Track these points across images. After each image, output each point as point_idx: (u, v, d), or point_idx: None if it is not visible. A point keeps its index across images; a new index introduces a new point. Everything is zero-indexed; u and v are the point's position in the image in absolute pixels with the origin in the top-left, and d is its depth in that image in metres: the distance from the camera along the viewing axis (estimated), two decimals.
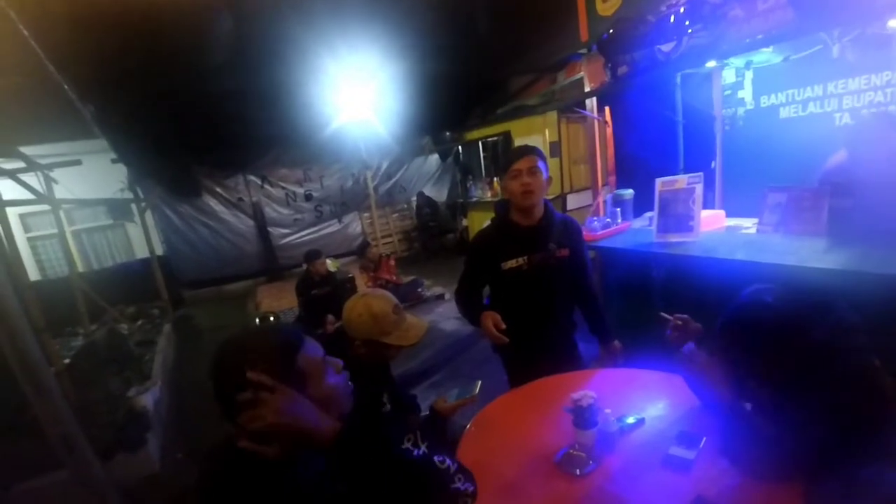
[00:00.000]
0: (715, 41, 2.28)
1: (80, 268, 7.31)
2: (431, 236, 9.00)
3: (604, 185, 3.86)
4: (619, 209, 3.23)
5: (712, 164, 3.55)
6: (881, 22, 2.42)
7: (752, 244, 2.47)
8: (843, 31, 2.66)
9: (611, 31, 2.66)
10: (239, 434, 0.76)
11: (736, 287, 0.98)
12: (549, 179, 1.92)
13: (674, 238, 2.71)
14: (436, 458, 0.86)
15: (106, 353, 4.03)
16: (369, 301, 1.56)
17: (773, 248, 2.32)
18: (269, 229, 7.92)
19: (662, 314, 1.44)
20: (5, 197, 3.42)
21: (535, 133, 6.51)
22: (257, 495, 0.77)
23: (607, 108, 4.43)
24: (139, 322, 5.93)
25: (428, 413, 1.73)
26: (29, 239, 7.68)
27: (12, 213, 3.69)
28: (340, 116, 6.29)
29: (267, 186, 7.79)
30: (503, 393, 1.86)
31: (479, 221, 7.81)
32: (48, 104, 3.98)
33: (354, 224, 8.79)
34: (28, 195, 4.15)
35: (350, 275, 5.75)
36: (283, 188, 7.92)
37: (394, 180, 8.85)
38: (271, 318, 5.38)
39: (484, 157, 8.72)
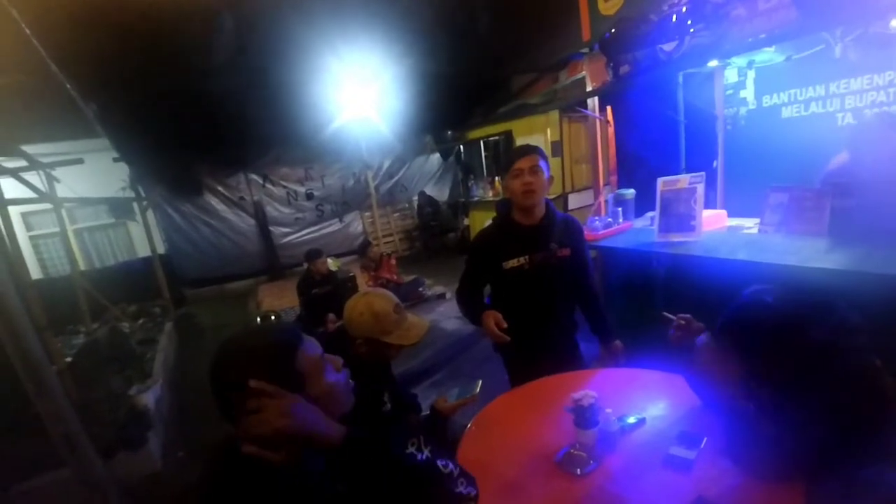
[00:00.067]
0: (717, 41, 2.28)
1: (82, 266, 7.33)
2: (432, 235, 9.01)
3: (605, 185, 3.86)
4: (620, 209, 3.22)
5: (714, 164, 3.54)
6: (884, 21, 2.41)
7: (753, 244, 2.47)
8: (845, 30, 2.65)
9: (613, 30, 2.66)
10: (242, 438, 0.75)
11: (737, 287, 0.98)
12: (551, 179, 1.92)
13: (675, 238, 2.70)
14: (439, 463, 0.86)
15: (107, 351, 4.04)
16: (370, 300, 1.57)
17: (775, 248, 2.32)
18: (271, 228, 7.93)
19: (665, 314, 1.44)
20: (7, 195, 3.43)
21: (536, 132, 6.51)
22: (258, 496, 0.77)
23: (609, 108, 4.43)
24: (141, 321, 5.93)
25: (428, 412, 1.73)
26: (31, 237, 7.70)
27: (14, 212, 3.70)
28: (342, 115, 6.30)
29: (268, 185, 7.80)
30: (504, 392, 1.86)
31: (480, 221, 7.81)
32: (50, 103, 4.00)
33: (356, 223, 8.79)
34: (30, 194, 4.15)
35: (351, 274, 5.75)
36: (285, 187, 7.93)
37: (395, 179, 8.86)
38: (272, 317, 5.38)
39: (485, 156, 8.73)
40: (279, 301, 6.17)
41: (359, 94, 5.89)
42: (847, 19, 2.26)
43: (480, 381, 1.69)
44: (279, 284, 7.40)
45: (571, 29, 3.33)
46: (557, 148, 6.30)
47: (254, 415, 0.74)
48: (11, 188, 3.69)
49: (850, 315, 0.85)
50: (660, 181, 2.80)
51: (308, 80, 5.25)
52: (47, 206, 4.64)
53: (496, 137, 7.69)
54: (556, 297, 2.03)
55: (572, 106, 4.48)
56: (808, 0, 1.96)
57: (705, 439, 1.29)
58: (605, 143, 3.89)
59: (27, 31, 2.88)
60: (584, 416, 1.35)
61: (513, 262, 1.94)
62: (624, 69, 2.77)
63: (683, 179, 2.71)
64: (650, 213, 3.13)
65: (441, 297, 5.98)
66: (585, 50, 3.45)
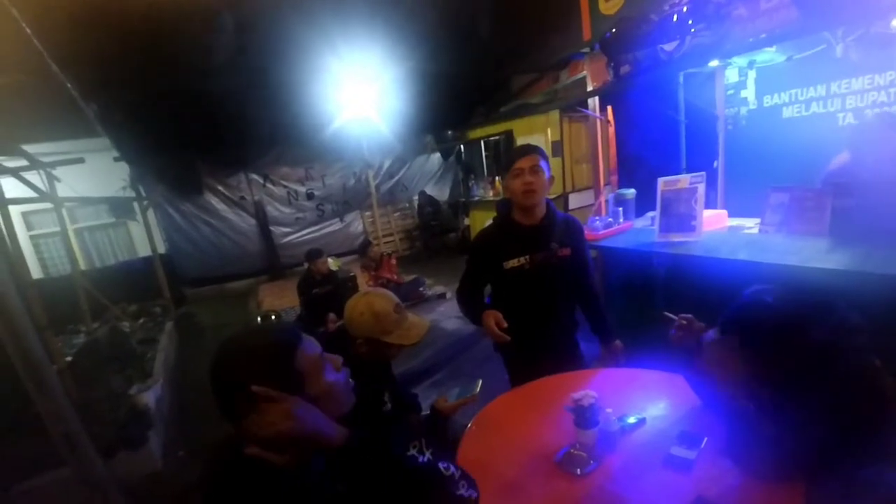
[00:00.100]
0: (718, 40, 2.28)
1: (83, 266, 7.34)
2: (433, 235, 9.01)
3: (606, 185, 3.86)
4: (620, 209, 3.22)
5: (715, 164, 3.54)
6: (885, 21, 2.41)
7: (754, 244, 2.47)
8: (846, 30, 2.65)
9: (613, 30, 2.66)
10: (246, 440, 0.75)
11: (738, 287, 0.98)
12: (551, 179, 1.92)
13: (676, 238, 2.70)
14: (440, 465, 0.87)
15: (108, 350, 4.04)
16: (371, 300, 1.57)
17: (776, 248, 2.31)
18: (271, 228, 7.93)
19: (667, 314, 1.44)
20: (8, 195, 3.43)
21: (537, 132, 6.51)
22: (259, 496, 0.77)
23: (609, 108, 4.43)
24: (141, 320, 5.93)
25: (429, 412, 1.73)
26: (31, 237, 7.70)
27: (15, 212, 3.70)
28: (342, 115, 6.30)
29: (269, 185, 7.80)
30: (504, 392, 1.86)
31: (480, 220, 7.81)
32: (51, 102, 4.00)
33: (356, 223, 8.79)
34: (31, 193, 4.15)
35: (351, 274, 5.75)
36: (285, 187, 7.93)
37: (396, 179, 8.86)
38: (273, 317, 5.39)
39: (486, 156, 8.73)
40: (280, 301, 6.17)
41: (359, 93, 5.89)
42: (848, 19, 2.26)
43: (481, 381, 1.68)
44: (280, 284, 7.40)
45: (572, 29, 3.33)
46: (558, 148, 6.30)
47: (257, 417, 0.74)
48: (12, 187, 3.69)
49: (851, 315, 0.85)
50: (660, 181, 2.79)
51: (309, 80, 5.25)
52: (48, 205, 4.64)
53: (497, 137, 7.69)
54: (556, 297, 2.03)
55: (573, 106, 4.48)
56: (809, 0, 1.96)
57: (706, 439, 1.29)
58: (606, 142, 3.89)
59: (28, 30, 2.88)
60: (584, 416, 1.35)
61: (513, 262, 1.94)
62: (625, 69, 2.77)
63: (684, 179, 2.71)
64: (651, 213, 3.13)
65: (441, 296, 5.98)
66: (586, 50, 3.45)
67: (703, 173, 2.65)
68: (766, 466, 1.05)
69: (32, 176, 4.16)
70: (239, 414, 0.78)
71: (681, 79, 3.52)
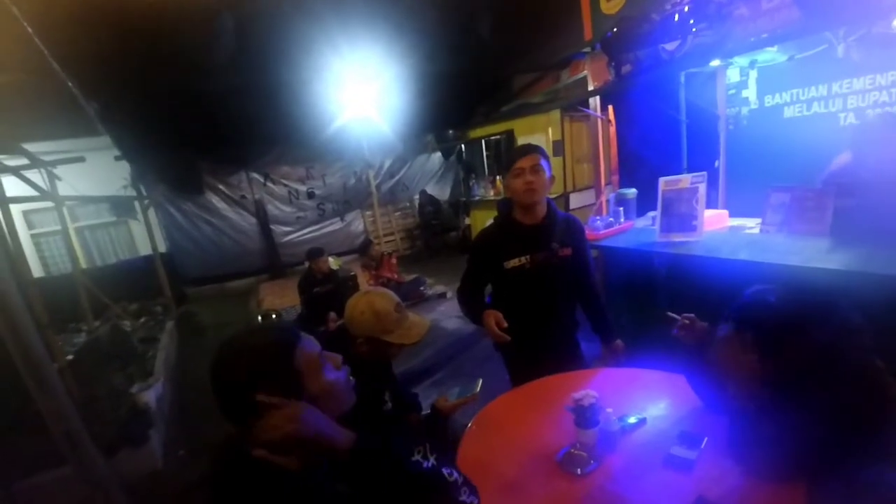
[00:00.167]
0: (720, 40, 2.27)
1: (84, 264, 7.34)
2: (434, 234, 9.00)
3: (607, 184, 3.86)
4: (621, 208, 3.22)
5: (716, 164, 3.54)
6: (886, 21, 2.41)
7: (755, 244, 2.47)
8: (848, 30, 2.65)
9: (615, 29, 2.65)
10: (252, 442, 0.76)
11: (739, 287, 0.98)
12: (552, 178, 1.92)
13: (677, 238, 2.70)
14: (444, 471, 0.87)
15: (109, 349, 4.04)
16: (371, 299, 1.57)
17: (777, 249, 2.31)
18: (272, 227, 7.93)
19: (669, 314, 1.44)
20: (9, 193, 3.43)
21: (538, 132, 6.50)
22: (261, 496, 0.78)
23: (611, 107, 4.43)
24: (142, 319, 5.94)
25: (429, 411, 1.73)
26: (32, 236, 7.71)
27: (16, 210, 3.70)
28: (343, 114, 6.29)
29: (269, 184, 7.80)
30: (505, 392, 1.86)
31: (481, 220, 7.81)
32: (52, 101, 4.00)
33: (357, 222, 8.79)
34: (32, 192, 4.16)
35: (352, 273, 5.76)
36: (286, 186, 7.92)
37: (396, 178, 8.84)
38: (273, 316, 5.39)
39: (487, 155, 8.73)
40: (280, 300, 6.17)
41: (360, 92, 5.88)
42: (850, 19, 2.26)
43: (481, 381, 1.68)
44: (280, 283, 7.40)
45: (573, 28, 3.32)
46: (559, 147, 6.30)
47: (263, 422, 0.75)
48: (13, 186, 3.70)
49: (852, 316, 0.85)
50: (661, 181, 2.79)
51: (310, 79, 5.24)
52: (49, 204, 4.65)
53: (497, 137, 7.68)
54: (557, 297, 2.03)
55: (574, 105, 4.48)
56: (810, 0, 1.95)
57: (706, 439, 1.29)
58: (607, 142, 3.88)
59: (29, 29, 2.88)
60: (584, 416, 1.35)
61: (514, 262, 1.94)
62: (626, 68, 2.77)
63: (685, 179, 2.71)
64: (651, 213, 3.13)
65: (442, 296, 5.98)
66: (587, 49, 3.45)
67: (705, 173, 2.65)
68: (767, 466, 1.05)
69: (33, 174, 4.16)
70: (243, 418, 0.79)
71: (682, 78, 3.52)
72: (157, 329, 5.51)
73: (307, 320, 4.56)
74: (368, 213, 8.80)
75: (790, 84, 3.09)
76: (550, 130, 6.37)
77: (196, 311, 6.38)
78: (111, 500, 2.53)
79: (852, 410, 0.82)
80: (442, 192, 9.32)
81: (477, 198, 8.28)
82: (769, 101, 3.23)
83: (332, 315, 4.26)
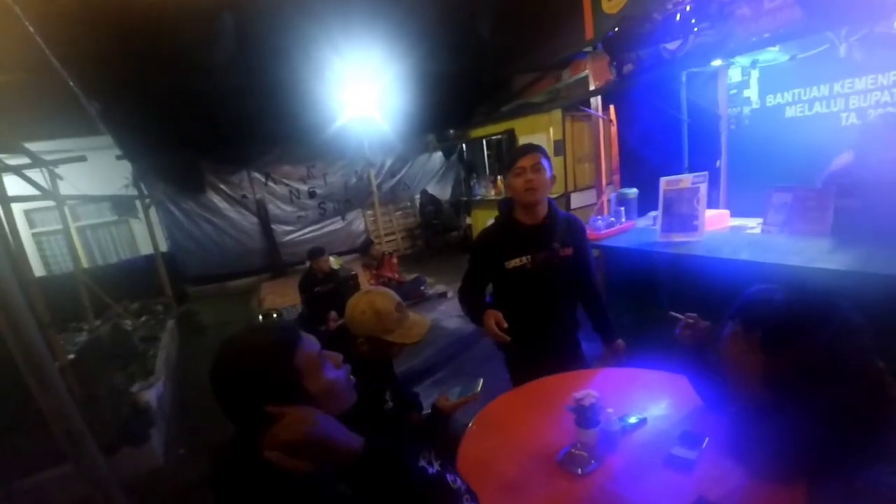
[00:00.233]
0: (721, 40, 2.27)
1: (85, 264, 7.36)
2: (435, 234, 9.01)
3: (608, 184, 3.85)
4: (623, 208, 3.22)
5: (717, 164, 3.53)
6: (889, 21, 2.41)
7: (756, 244, 2.46)
8: (850, 30, 2.64)
9: (616, 28, 2.65)
10: (263, 445, 0.76)
11: (740, 287, 0.98)
12: (553, 177, 1.92)
13: (678, 237, 2.70)
14: (448, 478, 0.87)
15: (110, 348, 4.05)
16: (372, 298, 1.56)
17: (778, 249, 2.31)
18: (273, 226, 7.93)
19: (672, 313, 1.43)
20: (10, 193, 3.44)
21: (539, 131, 6.49)
22: (266, 496, 0.78)
23: (612, 107, 4.41)
24: (143, 318, 5.94)
25: (430, 411, 1.73)
26: (34, 235, 7.72)
27: (17, 209, 3.71)
28: (344, 114, 6.30)
29: (271, 183, 7.80)
30: (505, 391, 1.86)
31: (482, 219, 7.80)
32: (53, 100, 4.01)
33: (358, 221, 8.79)
34: (33, 191, 4.17)
35: (353, 272, 5.75)
36: (287, 185, 7.93)
37: (397, 178, 8.84)
38: (274, 315, 5.40)
39: (488, 154, 8.72)
40: (281, 299, 6.18)
41: (361, 92, 5.88)
42: (852, 19, 2.25)
43: (482, 380, 1.68)
44: (281, 282, 7.40)
45: (575, 27, 3.32)
46: (560, 147, 6.29)
47: (275, 422, 0.76)
48: (14, 185, 3.70)
49: (853, 316, 0.84)
50: (662, 181, 2.79)
51: (310, 79, 5.25)
52: (50, 203, 4.66)
53: (498, 136, 7.67)
54: (558, 297, 2.02)
55: (575, 105, 4.47)
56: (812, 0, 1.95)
57: (707, 439, 1.29)
58: (608, 142, 3.87)
59: (30, 28, 2.89)
60: (585, 416, 1.34)
61: (515, 262, 1.93)
62: (627, 68, 2.77)
63: (686, 179, 2.71)
64: (653, 213, 3.12)
65: (443, 295, 5.98)
66: (589, 49, 3.44)
67: (706, 173, 2.65)
68: (768, 466, 1.05)
69: (35, 174, 4.17)
70: (245, 419, 0.80)
71: (683, 78, 3.52)
72: (158, 328, 5.52)
73: (308, 320, 4.57)
74: (369, 212, 8.80)
75: (792, 84, 3.09)
76: (552, 130, 6.36)
77: (197, 310, 6.39)
78: (112, 498, 2.53)
79: (853, 410, 0.82)
80: (443, 191, 9.32)
81: (478, 197, 8.27)
82: (771, 100, 3.22)
83: (333, 314, 4.26)
